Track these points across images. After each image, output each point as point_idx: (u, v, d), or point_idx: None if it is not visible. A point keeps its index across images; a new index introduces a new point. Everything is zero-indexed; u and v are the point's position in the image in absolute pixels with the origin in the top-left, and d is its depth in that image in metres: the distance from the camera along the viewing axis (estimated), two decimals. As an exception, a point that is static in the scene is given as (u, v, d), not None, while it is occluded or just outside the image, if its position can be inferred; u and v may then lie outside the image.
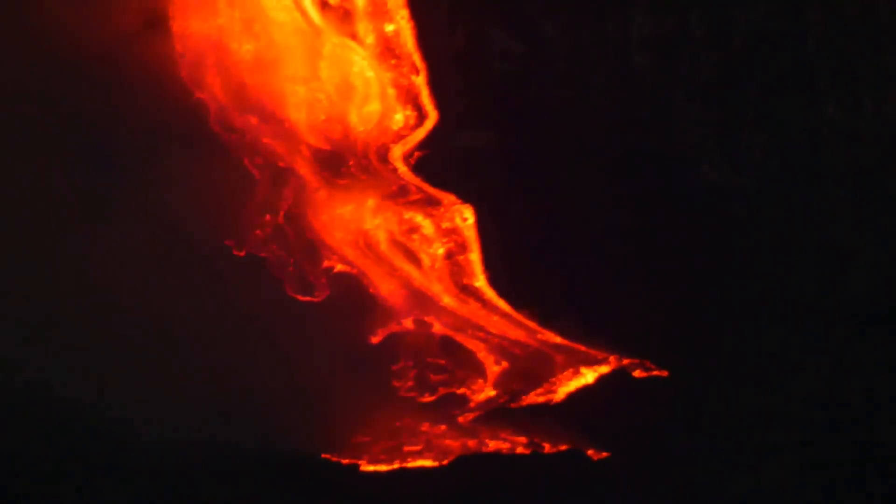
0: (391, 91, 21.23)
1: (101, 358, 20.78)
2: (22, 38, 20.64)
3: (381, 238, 21.88)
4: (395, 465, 21.08)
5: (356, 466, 20.98)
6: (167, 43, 21.27)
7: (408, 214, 21.81)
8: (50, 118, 21.03)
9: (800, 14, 20.37)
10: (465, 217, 21.65)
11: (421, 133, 21.22)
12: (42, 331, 20.84)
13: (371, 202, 21.80)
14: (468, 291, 22.05)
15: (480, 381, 22.31)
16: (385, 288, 22.01)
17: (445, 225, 21.78)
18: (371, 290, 21.98)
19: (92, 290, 20.79)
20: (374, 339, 21.90)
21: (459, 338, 22.21)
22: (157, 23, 21.19)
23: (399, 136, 21.35)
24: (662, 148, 21.04)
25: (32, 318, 20.90)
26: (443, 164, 21.38)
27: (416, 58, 20.95)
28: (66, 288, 20.84)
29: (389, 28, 20.92)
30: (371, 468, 20.95)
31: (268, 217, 21.69)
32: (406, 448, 21.43)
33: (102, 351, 20.79)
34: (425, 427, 21.88)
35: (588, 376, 21.83)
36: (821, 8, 20.28)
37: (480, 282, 21.94)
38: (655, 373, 21.57)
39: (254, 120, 21.51)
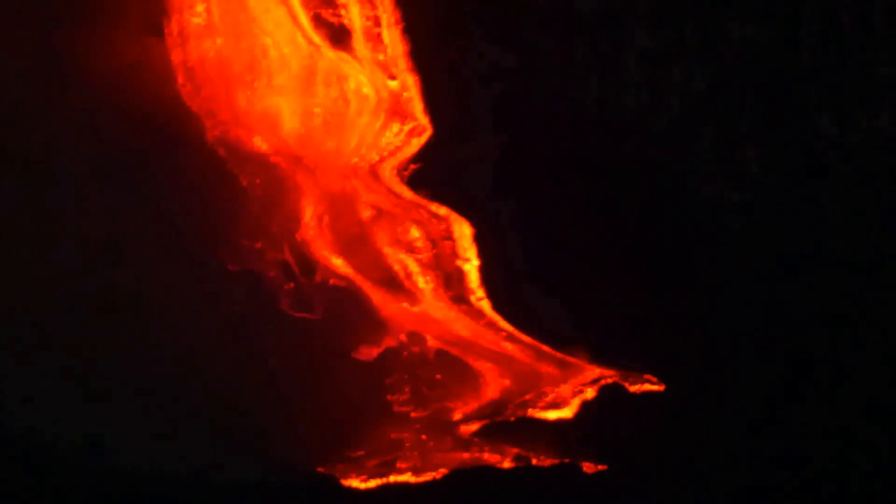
0: (385, 105, 21.28)
1: (91, 369, 20.87)
2: (28, 53, 20.82)
3: (376, 251, 21.89)
4: (390, 479, 21.04)
5: (350, 480, 20.97)
6: (164, 57, 21.37)
7: (402, 228, 21.82)
8: (50, 129, 21.16)
9: (794, 27, 20.33)
10: (461, 230, 21.64)
11: (415, 146, 21.25)
12: (28, 340, 20.95)
13: (366, 216, 21.83)
14: (464, 305, 22.03)
15: (476, 394, 22.26)
16: (380, 301, 22.00)
17: (441, 238, 21.77)
18: (366, 304, 21.97)
19: (83, 302, 20.91)
20: (369, 353, 21.88)
21: (455, 351, 22.18)
22: (155, 38, 21.33)
23: (393, 150, 21.39)
24: (657, 161, 21.00)
25: (18, 327, 21.03)
26: (438, 177, 21.40)
27: (410, 72, 21.00)
28: (55, 297, 20.96)
29: (384, 42, 20.97)
30: (365, 482, 20.93)
31: (262, 231, 21.73)
32: (400, 463, 21.39)
33: (93, 363, 20.87)
34: (420, 441, 21.84)
35: (585, 391, 21.75)
36: (815, 20, 20.25)
37: (476, 295, 21.92)
38: (652, 387, 21.49)
39: (249, 134, 21.59)
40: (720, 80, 20.70)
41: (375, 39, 20.99)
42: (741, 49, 20.60)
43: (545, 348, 21.86)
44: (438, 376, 22.14)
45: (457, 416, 22.10)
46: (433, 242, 21.76)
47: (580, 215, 21.35)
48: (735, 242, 21.03)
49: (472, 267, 21.74)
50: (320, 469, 21.11)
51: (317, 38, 21.20)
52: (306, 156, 21.66)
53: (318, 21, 21.10)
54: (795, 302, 20.97)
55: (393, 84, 21.14)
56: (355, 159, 21.53)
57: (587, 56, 20.81)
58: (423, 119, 21.16)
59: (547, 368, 22.04)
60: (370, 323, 21.92)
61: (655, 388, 21.48)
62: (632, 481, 20.84)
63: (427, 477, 21.07)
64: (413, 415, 21.99)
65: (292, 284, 21.77)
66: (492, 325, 21.98)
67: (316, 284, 21.84)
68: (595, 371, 21.79)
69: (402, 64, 20.96)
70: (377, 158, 21.45)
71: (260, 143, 21.60)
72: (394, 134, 21.32)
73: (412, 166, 21.31)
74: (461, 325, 22.03)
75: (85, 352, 20.84)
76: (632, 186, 21.12)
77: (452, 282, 21.88)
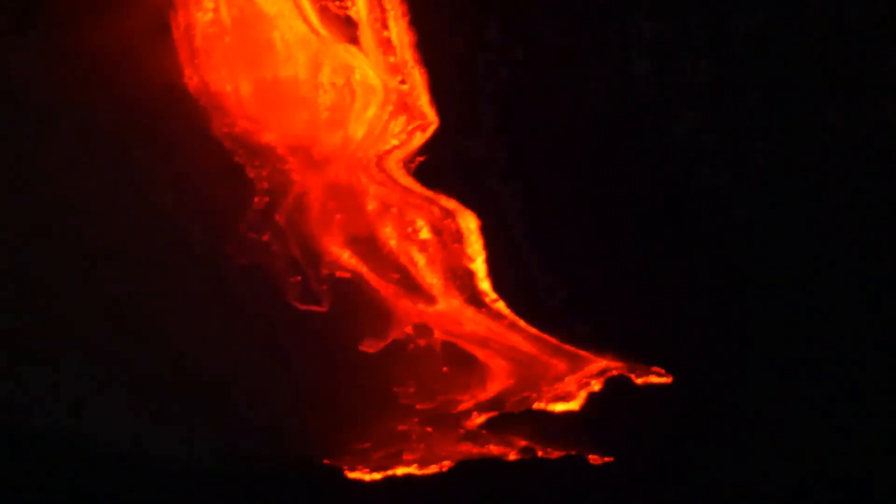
0: (392, 97, 21.31)
1: (98, 362, 20.96)
2: (32, 49, 20.89)
3: (383, 244, 21.93)
4: (396, 472, 21.06)
5: (356, 472, 20.99)
6: (171, 49, 21.43)
7: (409, 221, 21.86)
8: (53, 122, 21.19)
9: (799, 19, 20.35)
10: (468, 223, 21.66)
11: (422, 139, 21.28)
12: (37, 334, 21.03)
13: (372, 208, 21.86)
14: (471, 298, 22.04)
15: (482, 387, 22.29)
16: (386, 294, 22.04)
17: (447, 231, 21.80)
18: (372, 296, 22.01)
19: (89, 296, 20.99)
20: (375, 345, 21.92)
21: (461, 343, 22.21)
22: (162, 32, 21.39)
23: (400, 143, 21.42)
24: (663, 154, 21.01)
25: (28, 318, 21.10)
26: (444, 170, 21.41)
27: (417, 64, 21.02)
28: (62, 291, 21.06)
29: (390, 34, 21.00)
30: (370, 474, 20.95)
31: (269, 224, 21.78)
32: (406, 455, 21.42)
33: (99, 356, 20.97)
34: (426, 433, 21.87)
35: (591, 383, 21.76)
36: (820, 13, 20.26)
37: (483, 288, 21.94)
38: (659, 379, 21.50)
39: (256, 127, 21.65)
40: (726, 73, 20.71)
41: (385, 44, 21.00)
42: (747, 42, 20.61)
43: (552, 340, 21.87)
44: (445, 369, 22.17)
45: (463, 408, 22.13)
46: (442, 242, 21.80)
47: (586, 207, 21.36)
48: (741, 234, 21.03)
49: (479, 260, 21.76)
50: (326, 461, 21.15)
51: (324, 31, 21.24)
52: (313, 148, 21.71)
53: (325, 14, 21.16)
54: (802, 294, 20.97)
55: (405, 87, 21.15)
56: (362, 152, 21.57)
57: (594, 48, 20.84)
58: (429, 111, 21.18)
59: (554, 361, 22.05)
60: (376, 315, 21.96)
61: (662, 380, 21.48)
62: (638, 473, 20.83)
63: (433, 469, 21.08)
64: (419, 407, 22.03)
65: (299, 277, 21.82)
66: (498, 317, 22.00)
67: (322, 277, 21.87)
68: (601, 363, 21.80)
69: (409, 56, 20.97)
70: (384, 151, 21.48)
71: (267, 136, 21.66)
72: (401, 126, 21.35)
73: (419, 158, 21.33)
74: (468, 318, 22.05)
75: (92, 346, 20.96)
76: (638, 179, 21.12)
77: (459, 274, 21.90)
